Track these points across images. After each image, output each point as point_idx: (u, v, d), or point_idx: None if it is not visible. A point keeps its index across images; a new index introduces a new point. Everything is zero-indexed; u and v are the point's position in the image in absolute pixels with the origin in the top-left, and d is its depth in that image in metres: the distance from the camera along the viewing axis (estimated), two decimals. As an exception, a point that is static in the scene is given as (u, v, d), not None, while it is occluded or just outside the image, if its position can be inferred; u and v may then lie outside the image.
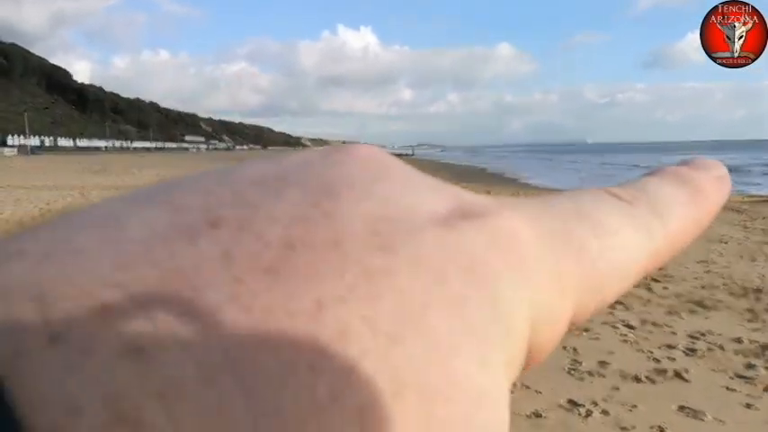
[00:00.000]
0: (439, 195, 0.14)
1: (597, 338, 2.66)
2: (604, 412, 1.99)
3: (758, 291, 3.44)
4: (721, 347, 2.58)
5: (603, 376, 2.28)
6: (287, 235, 0.11)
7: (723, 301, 3.23)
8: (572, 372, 2.31)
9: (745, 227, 5.82)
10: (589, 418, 1.95)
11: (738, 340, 2.65)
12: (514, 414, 1.94)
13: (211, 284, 0.10)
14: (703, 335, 2.72)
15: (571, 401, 2.05)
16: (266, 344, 0.10)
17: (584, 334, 2.70)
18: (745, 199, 9.17)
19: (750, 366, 2.37)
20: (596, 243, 0.15)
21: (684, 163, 0.20)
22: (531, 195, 0.18)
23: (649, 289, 3.42)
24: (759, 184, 15.08)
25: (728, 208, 7.31)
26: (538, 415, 1.96)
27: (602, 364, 2.38)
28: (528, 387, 2.14)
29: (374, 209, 0.12)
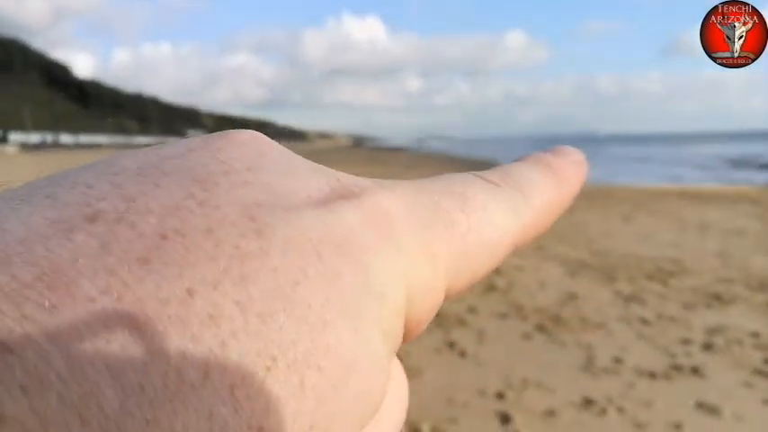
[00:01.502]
0: (317, 178, 0.14)
1: (611, 334, 2.64)
2: (620, 410, 1.97)
3: (777, 284, 3.38)
4: (739, 342, 2.54)
5: (618, 373, 2.25)
6: (161, 225, 0.11)
7: (740, 295, 3.18)
8: (586, 368, 2.29)
9: (763, 219, 5.72)
10: (604, 416, 1.94)
11: (756, 335, 2.61)
12: (527, 412, 1.94)
13: (85, 277, 0.10)
14: (720, 330, 2.69)
15: (586, 399, 2.04)
16: (136, 332, 0.10)
17: (599, 330, 2.68)
18: (763, 190, 9.01)
19: (769, 361, 2.33)
20: (465, 218, 0.16)
21: (547, 150, 0.21)
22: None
23: (665, 283, 3.39)
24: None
25: (745, 199, 7.20)
26: (551, 413, 1.96)
27: (617, 360, 2.36)
28: (540, 385, 2.13)
29: (250, 194, 0.13)
